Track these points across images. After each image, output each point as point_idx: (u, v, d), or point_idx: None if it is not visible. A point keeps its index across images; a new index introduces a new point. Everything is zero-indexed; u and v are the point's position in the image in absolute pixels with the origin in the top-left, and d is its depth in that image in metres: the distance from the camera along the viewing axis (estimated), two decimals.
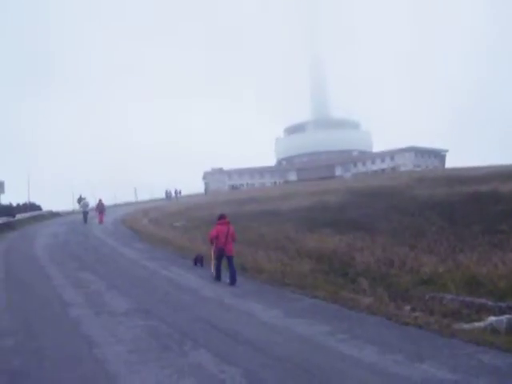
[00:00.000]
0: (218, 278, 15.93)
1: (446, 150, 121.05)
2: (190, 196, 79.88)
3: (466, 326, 9.44)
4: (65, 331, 11.03)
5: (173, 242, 24.35)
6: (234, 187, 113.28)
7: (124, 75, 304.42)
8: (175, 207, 49.67)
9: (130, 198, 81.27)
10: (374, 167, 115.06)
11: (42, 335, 10.81)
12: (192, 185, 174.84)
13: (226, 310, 12.07)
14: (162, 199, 74.37)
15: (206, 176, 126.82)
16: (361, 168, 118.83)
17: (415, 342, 8.79)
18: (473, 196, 26.64)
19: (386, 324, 10.09)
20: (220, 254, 15.84)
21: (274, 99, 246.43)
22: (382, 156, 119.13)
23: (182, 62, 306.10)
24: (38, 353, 9.55)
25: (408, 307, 11.27)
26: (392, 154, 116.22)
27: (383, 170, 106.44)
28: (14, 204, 52.71)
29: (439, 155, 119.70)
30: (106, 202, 45.97)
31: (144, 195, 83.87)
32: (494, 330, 9.16)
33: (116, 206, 64.34)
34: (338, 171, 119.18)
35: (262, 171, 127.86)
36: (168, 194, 77.21)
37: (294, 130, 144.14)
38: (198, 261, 18.92)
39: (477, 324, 9.49)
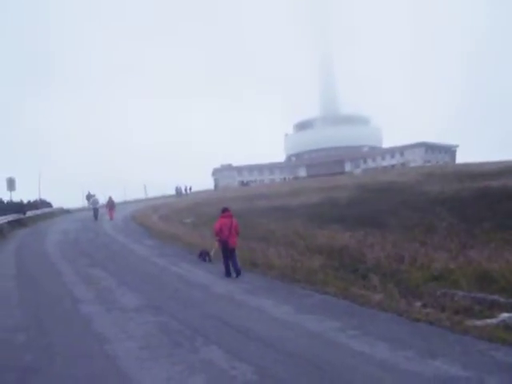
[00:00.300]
0: (227, 274, 15.98)
1: (457, 146, 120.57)
2: (199, 192, 79.79)
3: (478, 323, 9.37)
4: (76, 327, 11.07)
5: (182, 239, 24.34)
6: (243, 183, 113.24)
7: (133, 74, 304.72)
8: (185, 203, 49.67)
9: (140, 195, 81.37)
10: (384, 163, 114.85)
11: (53, 331, 10.86)
12: (201, 181, 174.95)
13: (236, 306, 12.06)
14: (171, 196, 74.26)
15: (215, 172, 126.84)
16: (370, 164, 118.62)
17: (427, 338, 8.75)
18: (484, 192, 26.49)
19: (396, 320, 10.04)
20: (224, 247, 16.04)
21: (283, 95, 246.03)
22: (392, 152, 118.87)
23: (193, 60, 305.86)
24: (50, 349, 9.60)
25: (419, 303, 11.20)
26: (402, 150, 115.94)
27: (393, 166, 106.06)
28: (25, 201, 52.89)
29: (449, 151, 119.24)
30: (116, 198, 46.03)
31: (154, 192, 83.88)
32: (506, 326, 9.09)
33: (125, 202, 64.48)
34: (348, 167, 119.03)
35: (271, 167, 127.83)
36: (178, 190, 77.08)
37: (304, 126, 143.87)
38: (204, 255, 19.03)
39: (489, 321, 9.43)
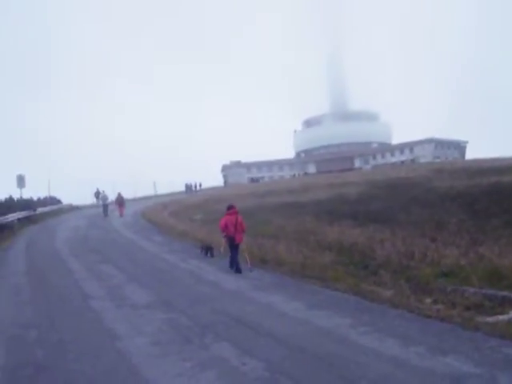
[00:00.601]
0: (238, 270, 16.07)
1: (466, 142, 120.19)
2: (209, 189, 79.82)
3: (489, 319, 9.33)
4: (87, 324, 11.13)
5: (192, 235, 24.37)
6: (253, 180, 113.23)
7: (142, 71, 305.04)
8: (194, 200, 49.72)
9: (149, 192, 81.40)
10: (394, 159, 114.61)
11: (64, 328, 10.92)
12: (211, 178, 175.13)
13: (246, 303, 12.06)
14: (181, 192, 74.20)
15: (224, 169, 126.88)
16: (380, 160, 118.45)
17: (437, 334, 8.72)
18: (494, 188, 26.36)
19: (407, 317, 10.01)
20: (231, 243, 16.40)
21: (292, 92, 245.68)
22: (402, 148, 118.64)
23: (203, 57, 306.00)
24: (61, 345, 9.67)
25: (429, 300, 11.17)
26: (411, 146, 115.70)
27: (402, 162, 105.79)
28: (35, 198, 53.12)
29: (459, 147, 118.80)
30: (125, 195, 46.09)
31: (163, 189, 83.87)
32: None
33: (135, 199, 64.55)
34: (357, 163, 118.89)
35: (280, 164, 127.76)
36: (188, 187, 77.02)
37: (313, 122, 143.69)
38: (206, 250, 19.43)
39: (500, 317, 9.38)
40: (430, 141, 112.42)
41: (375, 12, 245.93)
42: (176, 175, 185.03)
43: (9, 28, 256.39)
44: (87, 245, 25.22)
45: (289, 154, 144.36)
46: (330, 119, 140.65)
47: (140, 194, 77.58)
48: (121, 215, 41.03)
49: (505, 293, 10.67)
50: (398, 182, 38.46)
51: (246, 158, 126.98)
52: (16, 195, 47.19)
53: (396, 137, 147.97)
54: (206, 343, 9.03)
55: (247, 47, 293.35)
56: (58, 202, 57.97)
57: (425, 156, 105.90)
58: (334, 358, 7.80)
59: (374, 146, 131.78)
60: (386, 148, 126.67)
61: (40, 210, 45.68)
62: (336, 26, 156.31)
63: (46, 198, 56.01)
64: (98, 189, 52.61)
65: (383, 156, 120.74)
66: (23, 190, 47.36)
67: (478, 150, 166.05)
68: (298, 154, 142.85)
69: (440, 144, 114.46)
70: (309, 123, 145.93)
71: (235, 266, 16.18)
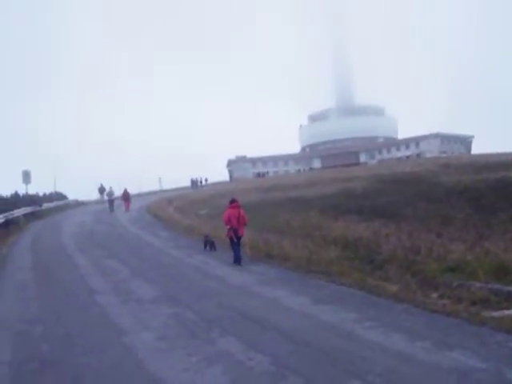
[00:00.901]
0: (237, 261, 16.58)
1: (472, 136, 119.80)
2: (215, 184, 79.84)
3: (496, 314, 9.31)
4: (93, 319, 11.17)
5: (197, 230, 24.37)
6: (259, 175, 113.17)
7: (148, 67, 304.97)
8: (200, 195, 49.71)
9: (155, 187, 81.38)
10: (399, 154, 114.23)
11: (70, 323, 10.97)
12: (216, 173, 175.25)
13: (252, 297, 12.07)
14: (186, 188, 74.09)
15: (230, 164, 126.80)
16: (386, 155, 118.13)
17: (443, 329, 8.70)
18: (500, 182, 26.28)
19: (413, 311, 10.00)
20: (235, 236, 16.79)
21: (297, 87, 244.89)
22: (407, 142, 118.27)
23: (207, 52, 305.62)
24: (67, 340, 9.71)
25: (435, 295, 11.15)
26: (417, 141, 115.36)
27: (408, 157, 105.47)
28: (41, 194, 53.22)
29: (465, 141, 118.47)
30: (131, 191, 46.12)
31: (169, 184, 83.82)
32: None
33: (140, 195, 64.59)
34: (363, 158, 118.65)
35: (286, 159, 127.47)
36: (194, 182, 76.87)
37: (318, 117, 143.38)
38: (209, 244, 19.69)
39: (506, 312, 9.36)
40: (435, 135, 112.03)
41: (381, 5, 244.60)
42: (182, 171, 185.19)
43: (9, 26, 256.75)
44: (93, 240, 25.28)
45: (294, 148, 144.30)
46: (335, 114, 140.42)
47: (145, 189, 77.66)
48: (126, 210, 41.15)
49: (511, 288, 10.64)
50: (404, 176, 38.39)
51: (251, 153, 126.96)
52: (22, 191, 47.38)
53: (402, 131, 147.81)
54: (212, 338, 9.05)
55: (252, 43, 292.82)
56: (64, 197, 58.04)
57: (431, 151, 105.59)
58: (339, 353, 7.80)
59: (380, 140, 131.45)
60: (392, 143, 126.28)
61: (46, 205, 45.80)
62: (341, 20, 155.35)
63: (51, 194, 56.11)
64: (102, 184, 52.51)
65: (389, 151, 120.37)
66: (29, 185, 47.48)
67: (484, 145, 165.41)
68: (303, 149, 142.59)
69: (446, 139, 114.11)
70: (314, 118, 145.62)
71: (235, 258, 16.61)
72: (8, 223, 32.87)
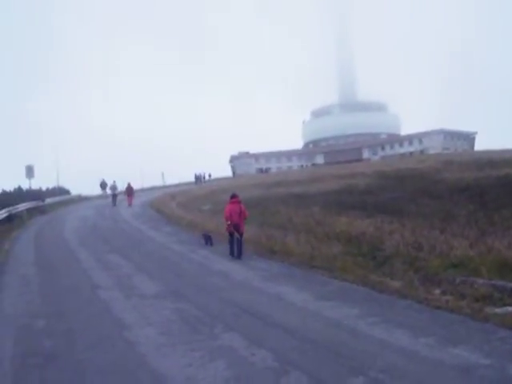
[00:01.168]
0: (232, 253, 16.97)
1: (475, 133, 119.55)
2: (218, 179, 79.84)
3: (499, 311, 9.30)
4: (95, 313, 11.17)
5: (200, 226, 24.35)
6: (262, 170, 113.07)
7: (152, 61, 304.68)
8: (203, 191, 49.71)
9: (158, 183, 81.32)
10: (402, 150, 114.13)
11: (73, 317, 10.98)
12: (219, 169, 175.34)
13: (255, 293, 12.07)
14: (189, 183, 73.96)
15: (232, 160, 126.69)
16: (388, 151, 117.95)
17: (447, 325, 8.69)
18: (503, 179, 26.26)
19: (416, 308, 9.99)
20: (234, 230, 17.02)
21: (300, 82, 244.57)
22: (410, 139, 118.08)
23: (210, 48, 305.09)
24: (70, 335, 9.71)
25: (438, 291, 11.13)
26: (420, 137, 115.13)
27: (411, 153, 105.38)
28: (44, 188, 53.23)
29: (468, 138, 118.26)
30: (133, 186, 46.14)
31: (172, 180, 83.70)
32: None
33: (143, 190, 64.57)
34: (366, 154, 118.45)
35: (288, 154, 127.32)
36: (198, 177, 76.69)
37: (321, 112, 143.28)
38: (207, 239, 19.84)
39: (510, 308, 9.33)
40: (439, 132, 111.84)
41: (384, 1, 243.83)
42: (185, 167, 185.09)
43: (9, 21, 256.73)
44: (96, 234, 25.30)
45: (297, 144, 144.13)
46: (338, 110, 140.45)
47: (148, 184, 77.58)
48: (129, 205, 41.16)
49: None
50: (407, 173, 38.38)
51: (254, 149, 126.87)
52: (25, 186, 47.41)
53: (405, 127, 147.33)
54: (215, 333, 9.05)
55: (255, 37, 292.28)
56: (67, 192, 58.02)
57: (434, 147, 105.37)
58: (342, 349, 7.80)
59: (383, 136, 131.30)
60: (395, 139, 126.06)
61: (49, 200, 45.81)
62: (345, 16, 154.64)
63: (54, 189, 56.10)
64: (103, 179, 52.30)
65: (392, 147, 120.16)
66: (32, 180, 47.51)
67: (487, 141, 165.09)
68: (306, 145, 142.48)
69: (449, 135, 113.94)
70: (317, 114, 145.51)
71: (237, 252, 16.85)
72: (11, 218, 32.92)
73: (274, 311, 10.30)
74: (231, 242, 17.17)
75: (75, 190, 60.82)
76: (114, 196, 43.36)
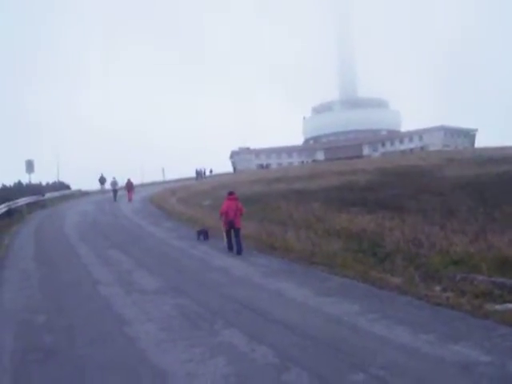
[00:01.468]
0: (230, 248, 17.25)
1: (476, 130, 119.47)
2: (218, 175, 79.79)
3: (499, 307, 9.30)
4: (96, 309, 11.17)
5: (200, 221, 24.33)
6: (263, 166, 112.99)
7: (151, 57, 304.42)
8: (203, 187, 49.66)
9: (158, 178, 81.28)
10: (403, 147, 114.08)
11: (73, 313, 10.98)
12: (219, 164, 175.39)
13: (255, 289, 12.06)
14: (190, 178, 73.85)
15: (233, 155, 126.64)
16: (389, 147, 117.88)
17: (447, 322, 8.69)
18: (504, 176, 26.26)
19: (416, 304, 9.98)
20: (230, 227, 17.35)
21: (301, 78, 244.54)
22: (411, 135, 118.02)
23: (211, 44, 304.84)
24: (70, 330, 9.72)
25: (438, 287, 11.13)
26: (421, 134, 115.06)
27: (412, 150, 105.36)
28: (44, 183, 53.24)
29: (469, 135, 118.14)
30: (134, 181, 46.24)
31: (172, 175, 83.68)
32: None
33: (142, 185, 64.56)
34: (366, 151, 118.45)
35: (289, 150, 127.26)
36: (198, 173, 76.56)
37: (322, 109, 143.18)
38: (202, 234, 20.12)
39: (510, 305, 9.33)
40: (439, 128, 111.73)
41: None
42: (185, 162, 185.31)
43: (10, 22, 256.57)
44: (96, 230, 25.32)
45: (297, 140, 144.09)
46: (339, 106, 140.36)
47: (148, 180, 77.57)
48: (129, 200, 41.35)
49: None
50: (408, 169, 38.40)
51: (254, 145, 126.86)
52: (25, 180, 47.46)
53: (405, 124, 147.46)
54: (216, 329, 9.04)
55: (256, 34, 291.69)
56: (67, 187, 57.99)
57: (434, 144, 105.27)
58: (342, 345, 7.80)
59: (383, 133, 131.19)
60: (396, 135, 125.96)
61: (49, 195, 45.81)
62: (346, 13, 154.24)
63: (54, 183, 56.12)
64: (102, 174, 52.09)
65: (392, 143, 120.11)
66: (32, 175, 47.54)
67: (487, 138, 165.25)
68: (306, 141, 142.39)
69: (450, 132, 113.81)
70: (318, 110, 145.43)
71: (237, 249, 16.95)
72: (11, 212, 32.91)
73: (275, 307, 10.30)
74: (229, 238, 17.39)
75: (75, 185, 60.91)
76: (115, 191, 43.49)
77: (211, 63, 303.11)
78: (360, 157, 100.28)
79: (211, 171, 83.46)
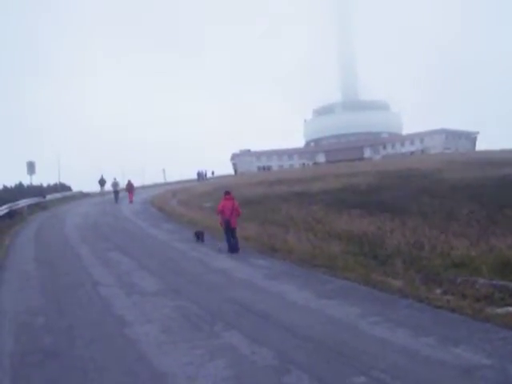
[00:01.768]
0: (230, 248, 17.41)
1: (477, 132, 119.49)
2: (220, 177, 79.84)
3: (500, 311, 9.28)
4: (96, 310, 11.17)
5: (201, 223, 24.32)
6: (264, 168, 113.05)
7: (153, 58, 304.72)
8: (204, 188, 49.65)
9: (159, 180, 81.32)
10: (404, 149, 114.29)
11: (73, 314, 10.98)
12: (220, 167, 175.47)
13: (256, 291, 12.04)
14: (191, 180, 73.81)
15: (233, 157, 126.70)
16: (390, 150, 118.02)
17: (448, 325, 8.68)
18: (505, 179, 26.24)
19: (417, 307, 9.97)
20: (226, 226, 17.61)
21: (302, 80, 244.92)
22: (412, 138, 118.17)
23: (212, 46, 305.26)
24: (70, 332, 9.72)
25: (439, 290, 11.12)
26: (422, 136, 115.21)
27: (412, 153, 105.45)
28: (45, 184, 53.24)
29: (470, 137, 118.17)
30: (134, 183, 46.34)
31: (173, 177, 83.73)
32: None
33: (143, 187, 64.57)
34: (367, 153, 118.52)
35: (290, 153, 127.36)
36: (200, 175, 76.53)
37: (323, 111, 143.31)
38: (199, 236, 20.12)
39: (511, 308, 9.32)
40: (440, 131, 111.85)
41: (386, 1, 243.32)
42: (186, 164, 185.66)
43: (10, 21, 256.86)
44: (96, 231, 25.32)
45: (299, 143, 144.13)
46: (340, 108, 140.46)
47: (149, 181, 77.58)
48: (130, 201, 41.58)
49: None
50: (409, 172, 38.37)
51: (255, 147, 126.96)
52: (26, 182, 47.47)
53: (407, 127, 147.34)
54: (216, 331, 9.03)
55: (257, 36, 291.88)
56: (68, 189, 58.04)
57: (435, 147, 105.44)
58: (343, 348, 7.78)
59: (384, 135, 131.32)
60: (397, 138, 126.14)
61: (50, 196, 45.84)
62: (347, 15, 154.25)
63: (55, 185, 56.13)
64: (102, 176, 51.98)
65: (393, 146, 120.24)
66: (33, 176, 47.53)
67: (488, 141, 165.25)
68: (307, 143, 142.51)
69: (451, 135, 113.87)
70: (319, 112, 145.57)
71: (231, 247, 17.39)
72: (12, 214, 32.93)
73: (275, 309, 10.27)
74: (228, 238, 17.59)
75: (76, 186, 60.98)
76: (116, 192, 43.64)
77: (213, 65, 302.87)
78: (361, 159, 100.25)
79: (213, 173, 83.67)
